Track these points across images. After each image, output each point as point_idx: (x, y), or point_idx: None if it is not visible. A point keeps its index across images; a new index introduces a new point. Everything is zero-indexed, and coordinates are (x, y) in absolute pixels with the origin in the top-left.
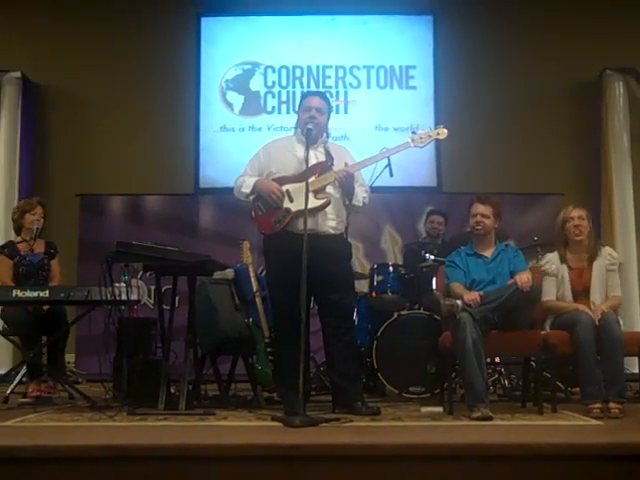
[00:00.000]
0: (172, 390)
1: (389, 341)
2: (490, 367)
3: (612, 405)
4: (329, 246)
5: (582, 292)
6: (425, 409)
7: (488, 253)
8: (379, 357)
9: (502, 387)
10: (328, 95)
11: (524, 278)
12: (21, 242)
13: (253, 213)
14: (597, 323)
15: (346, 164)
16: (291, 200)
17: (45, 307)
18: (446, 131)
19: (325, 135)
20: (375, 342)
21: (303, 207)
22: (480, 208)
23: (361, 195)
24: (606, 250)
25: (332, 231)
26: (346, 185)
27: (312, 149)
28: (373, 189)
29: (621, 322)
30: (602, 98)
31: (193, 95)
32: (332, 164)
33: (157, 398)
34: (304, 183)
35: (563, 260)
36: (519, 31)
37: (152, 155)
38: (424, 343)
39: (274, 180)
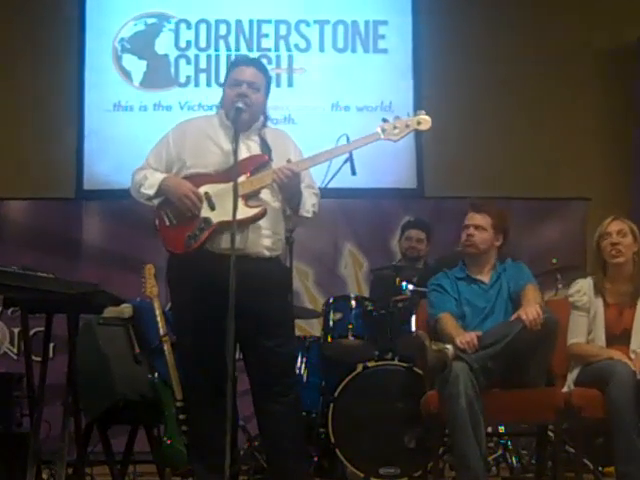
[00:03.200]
0: (44, 475)
1: (351, 404)
2: (492, 439)
3: None
4: (261, 273)
5: (620, 337)
6: None
7: (485, 278)
8: (337, 426)
9: (508, 466)
10: (266, 63)
11: (531, 312)
12: None
13: (157, 223)
14: (639, 377)
15: (289, 161)
16: (212, 207)
17: None
18: (429, 119)
19: (262, 119)
20: (331, 405)
21: (227, 217)
22: (474, 218)
23: (310, 202)
24: None
25: (266, 253)
26: (289, 189)
27: (242, 138)
28: (329, 192)
29: None
30: None
31: (75, 60)
32: (270, 159)
33: None
34: (230, 184)
35: (599, 291)
36: None
37: (15, 145)
38: (400, 407)
39: (187, 178)
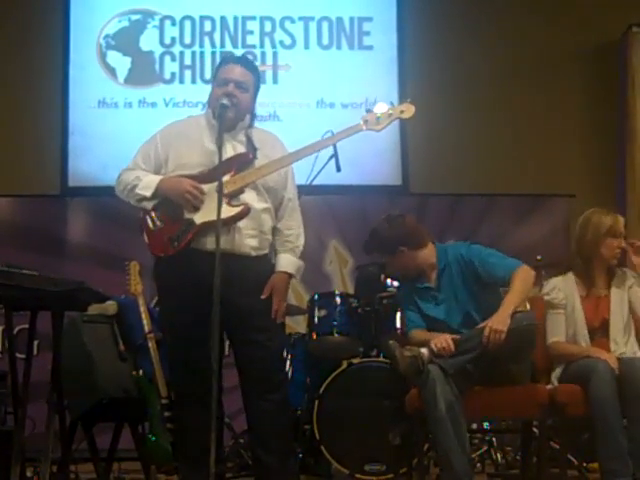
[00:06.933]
0: (28, 473)
1: (336, 401)
2: (476, 436)
3: None
4: (249, 270)
5: (600, 328)
6: None
7: (431, 281)
8: (322, 423)
9: (493, 463)
10: (251, 59)
11: (496, 324)
12: None
13: (144, 231)
14: (617, 372)
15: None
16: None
17: None
18: (413, 108)
19: (248, 118)
20: (316, 402)
21: (210, 218)
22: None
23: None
24: (625, 272)
25: (252, 252)
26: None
27: (228, 137)
28: (314, 189)
29: None
30: (627, 65)
31: (59, 57)
32: (254, 156)
33: None
34: (213, 184)
35: (579, 285)
36: None
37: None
38: (385, 404)
39: None
